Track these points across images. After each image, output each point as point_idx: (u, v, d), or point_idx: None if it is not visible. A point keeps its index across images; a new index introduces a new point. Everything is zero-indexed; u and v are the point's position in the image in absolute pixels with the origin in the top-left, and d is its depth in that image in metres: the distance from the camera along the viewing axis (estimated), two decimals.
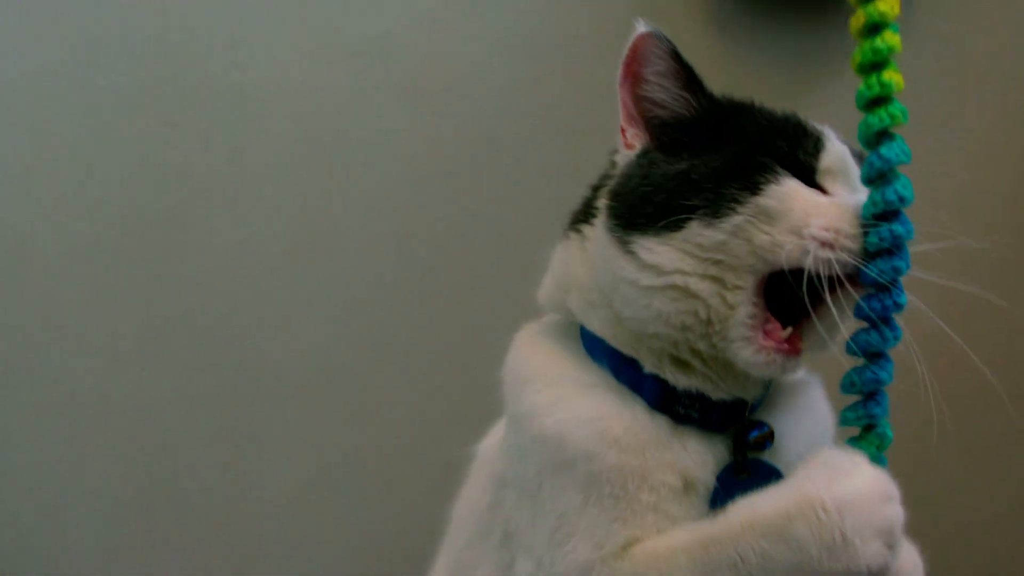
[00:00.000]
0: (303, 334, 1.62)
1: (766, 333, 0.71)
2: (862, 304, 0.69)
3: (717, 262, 0.70)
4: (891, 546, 0.64)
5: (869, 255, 0.69)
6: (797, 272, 0.69)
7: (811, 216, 0.69)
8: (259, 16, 1.63)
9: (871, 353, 0.70)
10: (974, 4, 1.50)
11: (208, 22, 1.63)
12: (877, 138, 0.70)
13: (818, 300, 0.69)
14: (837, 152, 0.75)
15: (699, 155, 0.74)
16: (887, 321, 0.70)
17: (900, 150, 0.70)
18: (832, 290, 0.69)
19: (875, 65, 0.71)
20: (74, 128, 1.61)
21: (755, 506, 0.66)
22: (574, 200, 1.55)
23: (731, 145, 0.73)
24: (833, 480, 0.64)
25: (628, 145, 0.79)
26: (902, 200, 0.69)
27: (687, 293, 0.71)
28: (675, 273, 0.71)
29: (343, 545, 1.60)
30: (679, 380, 0.74)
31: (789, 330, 0.72)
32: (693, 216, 0.70)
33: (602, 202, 0.78)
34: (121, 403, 1.62)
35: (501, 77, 1.61)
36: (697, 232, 0.70)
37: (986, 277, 1.44)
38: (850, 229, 0.69)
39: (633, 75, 0.78)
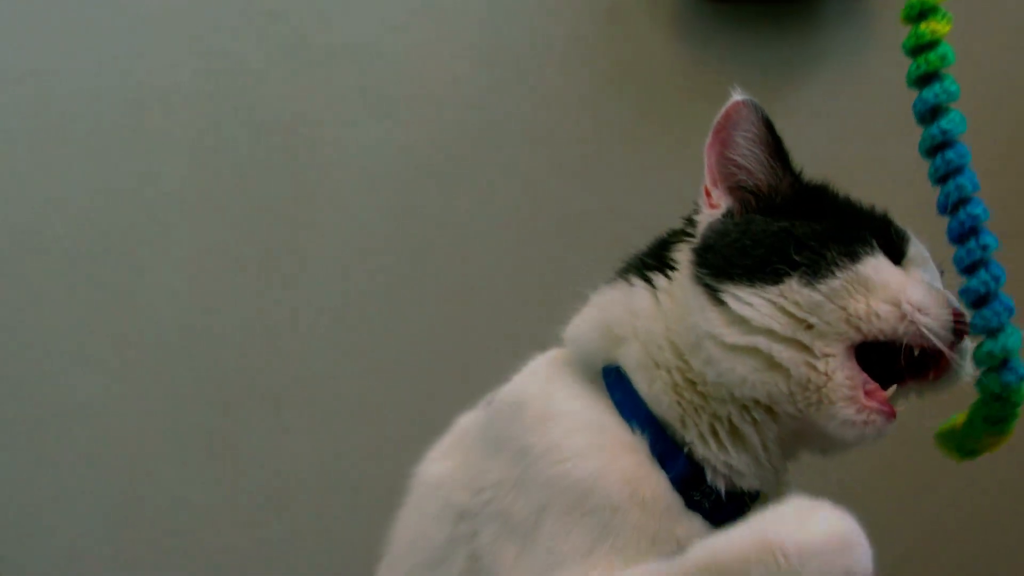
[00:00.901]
0: (276, 342, 1.60)
1: (868, 394, 0.71)
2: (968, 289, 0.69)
3: (809, 327, 0.70)
4: None
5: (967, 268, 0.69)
6: (885, 345, 0.70)
7: (907, 290, 0.71)
8: (231, 22, 1.62)
9: (991, 329, 0.69)
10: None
11: (174, 29, 1.62)
12: (932, 114, 0.75)
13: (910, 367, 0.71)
14: (920, 247, 0.78)
15: (798, 217, 0.75)
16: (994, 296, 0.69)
17: (957, 120, 0.74)
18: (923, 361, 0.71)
19: (923, 47, 0.74)
20: (45, 134, 1.59)
21: (715, 548, 0.65)
22: (549, 205, 1.58)
23: (829, 215, 0.75)
24: (795, 525, 0.63)
25: (712, 205, 0.78)
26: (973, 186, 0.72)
27: (770, 363, 0.71)
28: (762, 333, 0.71)
29: (315, 554, 1.58)
30: (720, 455, 0.73)
31: (893, 388, 0.73)
32: (792, 272, 0.70)
33: (683, 255, 0.77)
34: (92, 410, 1.59)
35: (472, 83, 1.59)
36: (796, 289, 0.70)
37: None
38: (944, 311, 0.71)
39: (723, 139, 0.78)
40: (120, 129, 1.61)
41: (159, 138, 1.61)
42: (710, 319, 0.72)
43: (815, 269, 0.70)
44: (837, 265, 0.70)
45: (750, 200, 0.78)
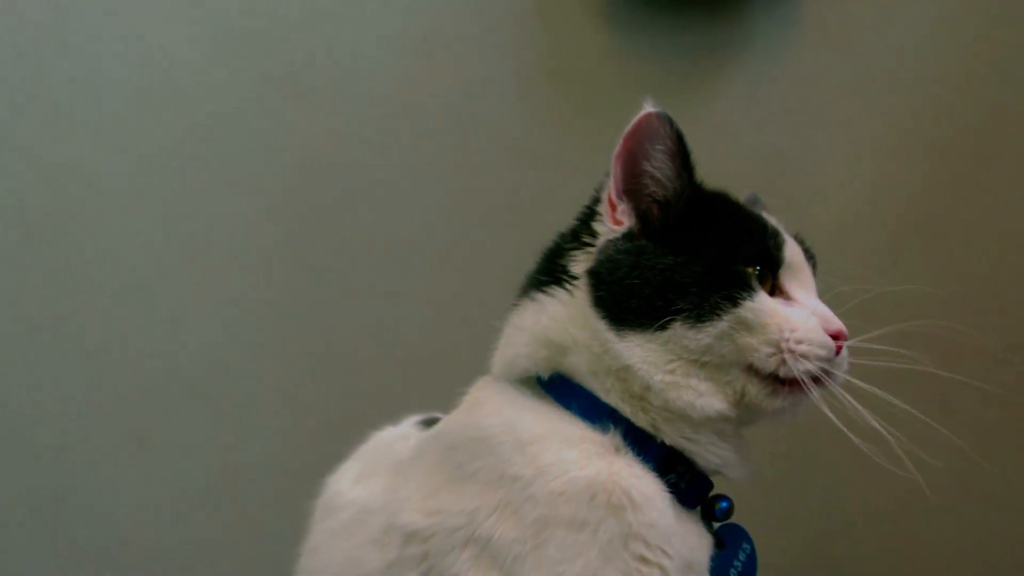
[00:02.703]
0: (195, 336, 1.59)
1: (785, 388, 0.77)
2: None
3: (704, 364, 0.75)
4: None
5: None
6: None
7: (785, 330, 0.75)
8: (144, 9, 1.59)
9: None
10: None
11: (98, 18, 1.59)
12: None
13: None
14: (793, 246, 0.81)
15: (683, 250, 0.76)
16: None
17: None
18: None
19: None
20: None
21: None
22: (480, 194, 1.58)
23: (711, 243, 0.77)
24: None
25: (616, 221, 0.80)
26: None
27: (689, 387, 0.75)
28: (668, 373, 0.75)
29: (239, 551, 1.57)
30: (695, 448, 0.77)
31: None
32: (677, 317, 0.74)
33: (580, 270, 0.80)
34: (20, 404, 1.57)
35: (401, 73, 1.59)
36: (682, 334, 0.74)
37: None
38: (819, 339, 0.76)
39: (634, 149, 0.79)
40: (41, 117, 1.59)
41: (86, 129, 1.59)
42: (629, 356, 0.75)
43: (699, 315, 0.74)
44: (720, 309, 0.74)
45: (652, 210, 0.80)
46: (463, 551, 0.72)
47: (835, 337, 0.77)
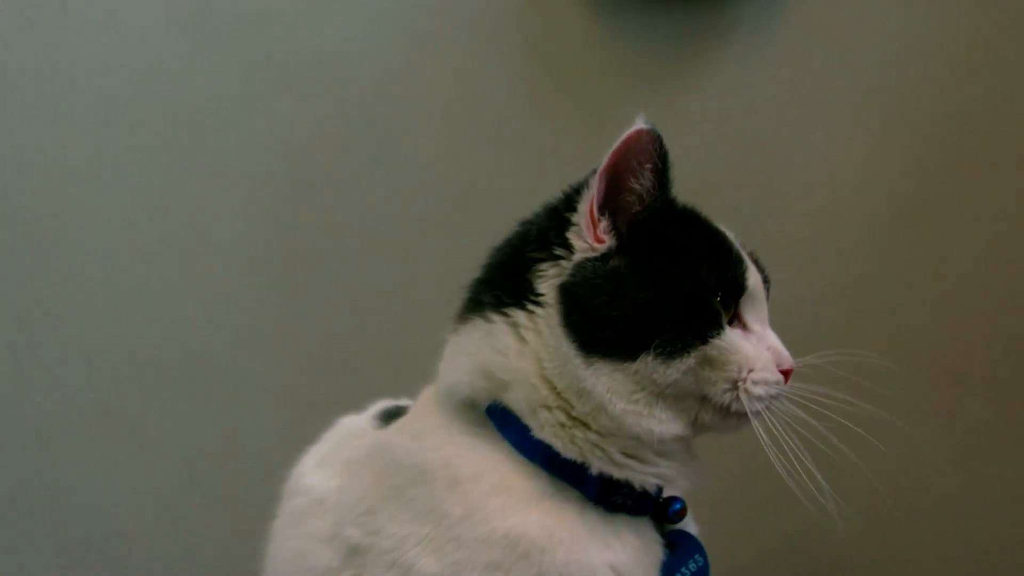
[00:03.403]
0: (183, 326, 1.58)
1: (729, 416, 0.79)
2: None
3: (665, 395, 0.77)
4: None
5: None
6: None
7: (744, 370, 0.77)
8: None
9: None
10: None
11: (77, 4, 1.57)
12: None
13: None
14: (754, 273, 0.82)
15: (659, 279, 0.77)
16: None
17: None
18: None
19: None
20: None
21: None
22: (464, 178, 1.57)
23: (685, 272, 0.78)
24: None
25: (598, 239, 0.78)
26: None
27: (651, 416, 0.77)
28: (631, 403, 0.76)
29: (229, 540, 1.56)
30: (628, 473, 0.78)
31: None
32: (650, 350, 0.75)
33: (549, 288, 0.78)
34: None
35: (387, 56, 1.57)
36: (652, 368, 0.75)
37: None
38: (773, 377, 0.78)
39: (621, 165, 0.78)
40: (20, 107, 1.58)
41: (56, 116, 1.57)
42: (593, 383, 0.76)
43: (671, 351, 0.75)
44: (691, 346, 0.75)
45: (631, 227, 0.79)
46: (387, 573, 0.76)
47: (784, 373, 0.80)
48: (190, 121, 1.58)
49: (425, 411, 0.84)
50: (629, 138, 0.77)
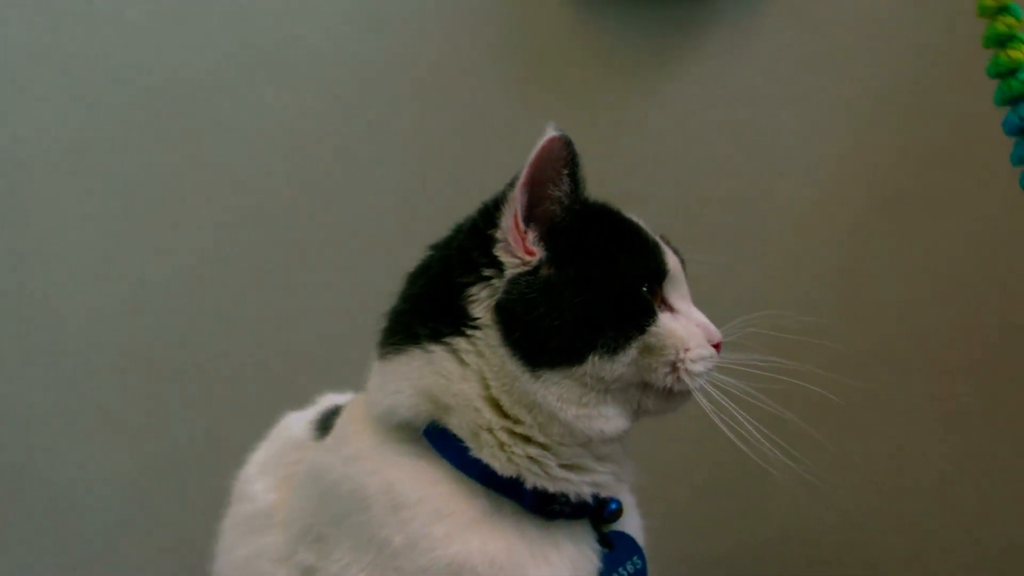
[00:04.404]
0: (154, 310, 1.58)
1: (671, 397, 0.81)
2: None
3: (611, 390, 0.78)
4: None
5: None
6: None
7: (680, 350, 0.79)
8: None
9: None
10: None
11: None
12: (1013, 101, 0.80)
13: None
14: (671, 255, 0.84)
15: (589, 280, 0.78)
16: None
17: None
18: None
19: (1000, 42, 0.79)
20: None
21: None
22: (441, 170, 1.57)
23: (612, 268, 0.80)
24: None
25: (528, 251, 0.79)
26: None
27: (600, 416, 0.79)
28: (582, 407, 0.77)
29: (199, 525, 1.56)
30: (563, 486, 0.79)
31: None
32: (596, 350, 0.76)
33: (484, 310, 0.79)
34: None
35: (362, 47, 1.57)
36: (599, 367, 0.77)
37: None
38: (708, 352, 0.81)
39: (539, 175, 0.79)
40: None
41: (41, 99, 1.58)
42: (543, 394, 0.77)
43: (614, 347, 0.77)
44: (631, 339, 0.77)
45: (554, 233, 0.80)
46: None
47: (715, 346, 0.82)
48: (171, 111, 1.57)
49: (357, 432, 0.84)
50: (544, 147, 0.78)
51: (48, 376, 1.58)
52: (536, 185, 0.79)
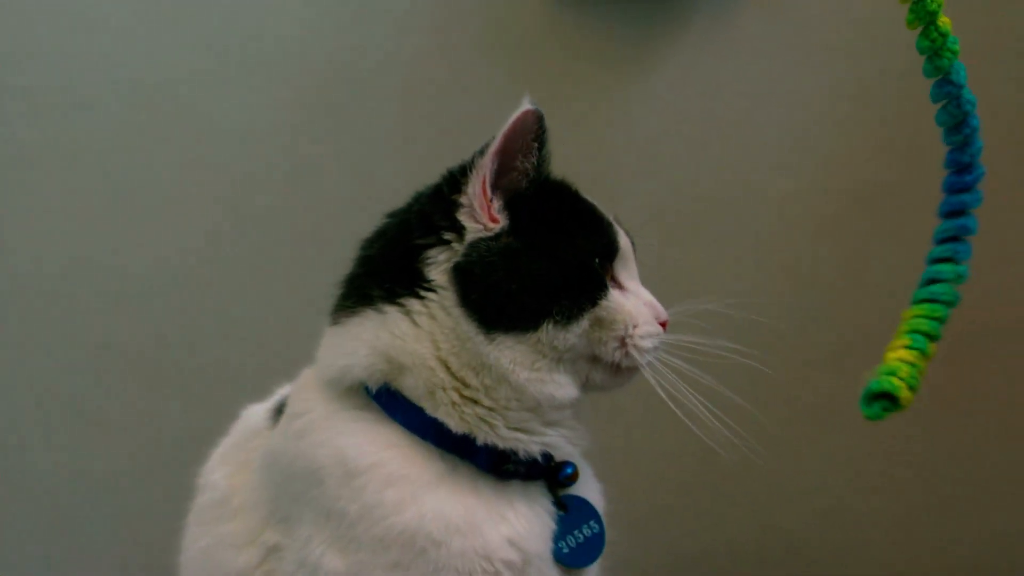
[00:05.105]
0: (141, 310, 1.61)
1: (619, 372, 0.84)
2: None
3: (563, 359, 0.81)
4: None
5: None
6: None
7: (629, 326, 0.83)
8: None
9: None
10: None
11: None
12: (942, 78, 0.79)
13: None
14: (622, 235, 0.87)
15: (548, 250, 0.81)
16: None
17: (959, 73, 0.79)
18: None
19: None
20: None
21: None
22: (400, 166, 1.55)
23: (570, 241, 0.83)
24: None
25: (493, 219, 0.82)
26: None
27: (552, 382, 0.81)
28: (534, 371, 0.80)
29: (176, 523, 1.56)
30: (513, 444, 0.81)
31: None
32: (551, 317, 0.79)
33: (440, 273, 0.81)
34: None
35: (330, 39, 1.61)
36: (553, 335, 0.80)
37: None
38: (655, 330, 0.84)
39: (511, 146, 0.82)
40: None
41: (30, 98, 1.61)
42: (496, 356, 0.79)
43: (568, 316, 0.80)
44: (584, 310, 0.81)
45: (517, 202, 0.83)
46: (298, 572, 0.79)
47: (661, 324, 0.85)
48: (150, 104, 1.60)
49: (306, 400, 0.85)
50: (519, 119, 0.81)
51: (30, 373, 1.61)
52: (506, 155, 0.82)
